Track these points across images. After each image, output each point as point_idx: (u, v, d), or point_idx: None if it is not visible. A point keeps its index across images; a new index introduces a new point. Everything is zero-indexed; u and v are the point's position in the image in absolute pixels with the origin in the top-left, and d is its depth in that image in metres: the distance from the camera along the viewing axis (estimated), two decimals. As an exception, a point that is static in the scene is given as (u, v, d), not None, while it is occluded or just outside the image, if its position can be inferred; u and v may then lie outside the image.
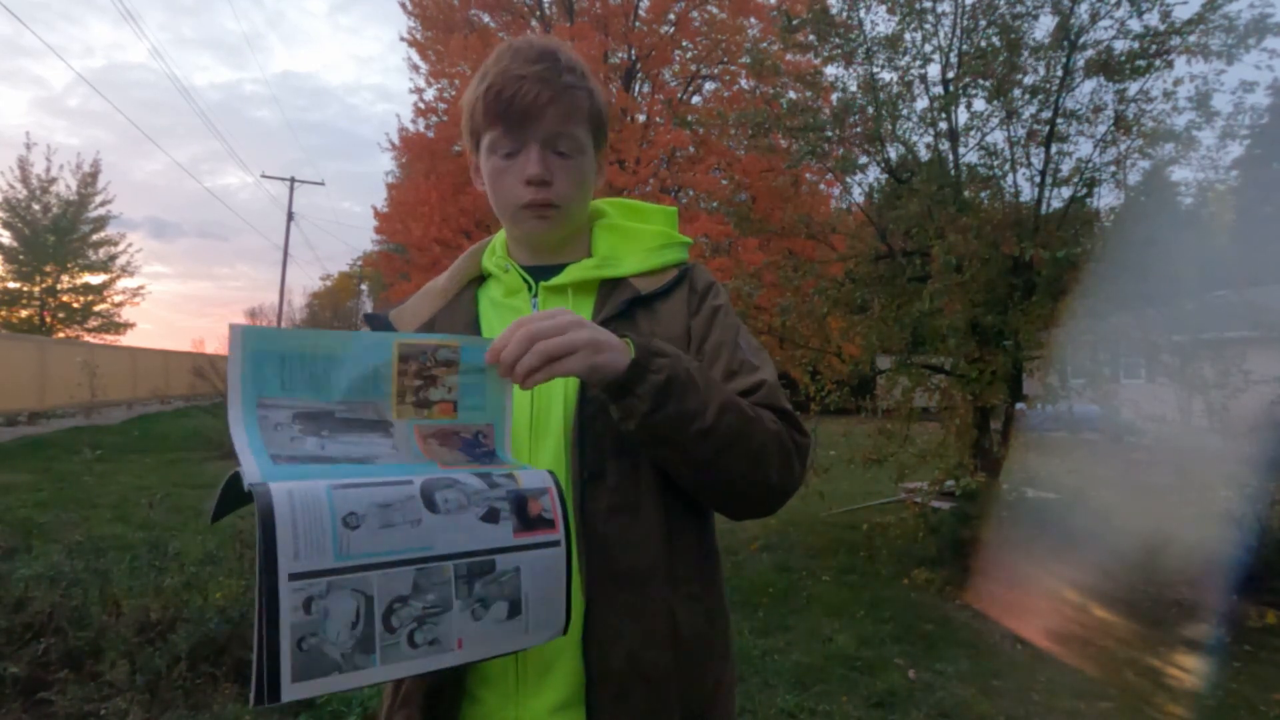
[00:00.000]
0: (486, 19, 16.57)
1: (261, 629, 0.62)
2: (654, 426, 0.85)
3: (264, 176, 43.75)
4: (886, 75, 5.67)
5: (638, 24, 16.06)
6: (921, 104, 5.70)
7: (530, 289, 1.02)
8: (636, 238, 1.06)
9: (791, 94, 6.24)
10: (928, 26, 5.50)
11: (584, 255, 1.05)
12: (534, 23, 16.54)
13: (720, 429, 0.87)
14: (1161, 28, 4.92)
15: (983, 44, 5.38)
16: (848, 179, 6.11)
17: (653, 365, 0.84)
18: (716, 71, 16.80)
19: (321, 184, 47.51)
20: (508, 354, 0.79)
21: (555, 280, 1.01)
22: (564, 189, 0.98)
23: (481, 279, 1.09)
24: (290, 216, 28.21)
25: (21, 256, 24.66)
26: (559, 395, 0.95)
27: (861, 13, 5.63)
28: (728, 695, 1.01)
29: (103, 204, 25.92)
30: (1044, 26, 5.30)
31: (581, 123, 0.98)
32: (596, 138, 1.02)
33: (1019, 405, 5.60)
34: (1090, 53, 5.17)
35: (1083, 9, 5.09)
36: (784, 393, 1.01)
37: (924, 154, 5.82)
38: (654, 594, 0.92)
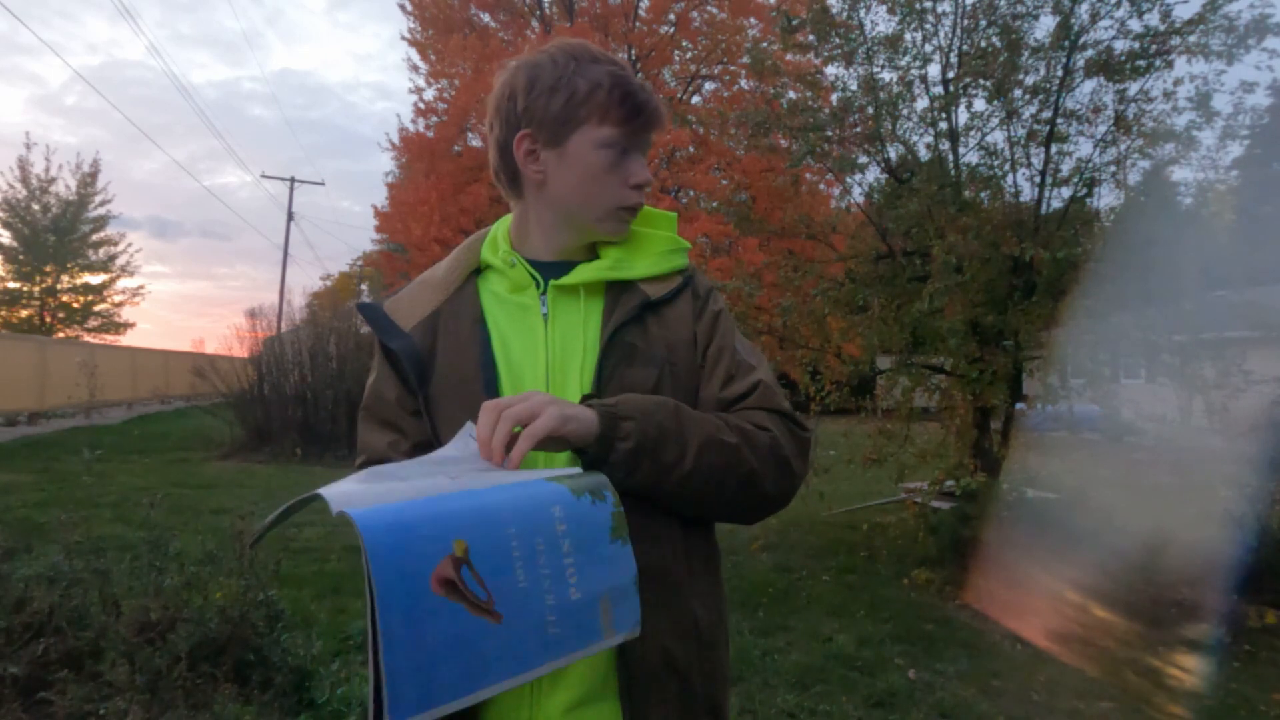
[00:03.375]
0: (486, 19, 16.57)
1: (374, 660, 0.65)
2: (634, 488, 0.88)
3: (264, 176, 43.78)
4: (886, 75, 5.68)
5: (638, 24, 16.07)
6: (921, 104, 5.71)
7: (539, 286, 1.01)
8: (646, 242, 1.06)
9: (791, 94, 6.23)
10: (928, 26, 5.50)
11: (590, 256, 1.05)
12: (534, 23, 16.54)
13: (703, 468, 0.91)
14: (1162, 28, 4.92)
15: (983, 44, 5.38)
16: (848, 179, 6.11)
17: (620, 432, 0.87)
18: (716, 71, 16.81)
19: (321, 184, 47.57)
20: (483, 434, 0.82)
21: (566, 279, 1.00)
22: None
23: (479, 270, 1.07)
24: (290, 216, 28.20)
25: (21, 256, 24.67)
26: (574, 400, 0.96)
27: (861, 13, 5.63)
28: (729, 683, 1.05)
29: (102, 204, 25.97)
30: (1044, 26, 5.30)
31: None
32: None
33: (1019, 405, 5.60)
34: (1090, 53, 5.17)
35: (1083, 9, 5.09)
36: (781, 390, 1.04)
37: (924, 154, 5.82)
38: (675, 591, 0.94)
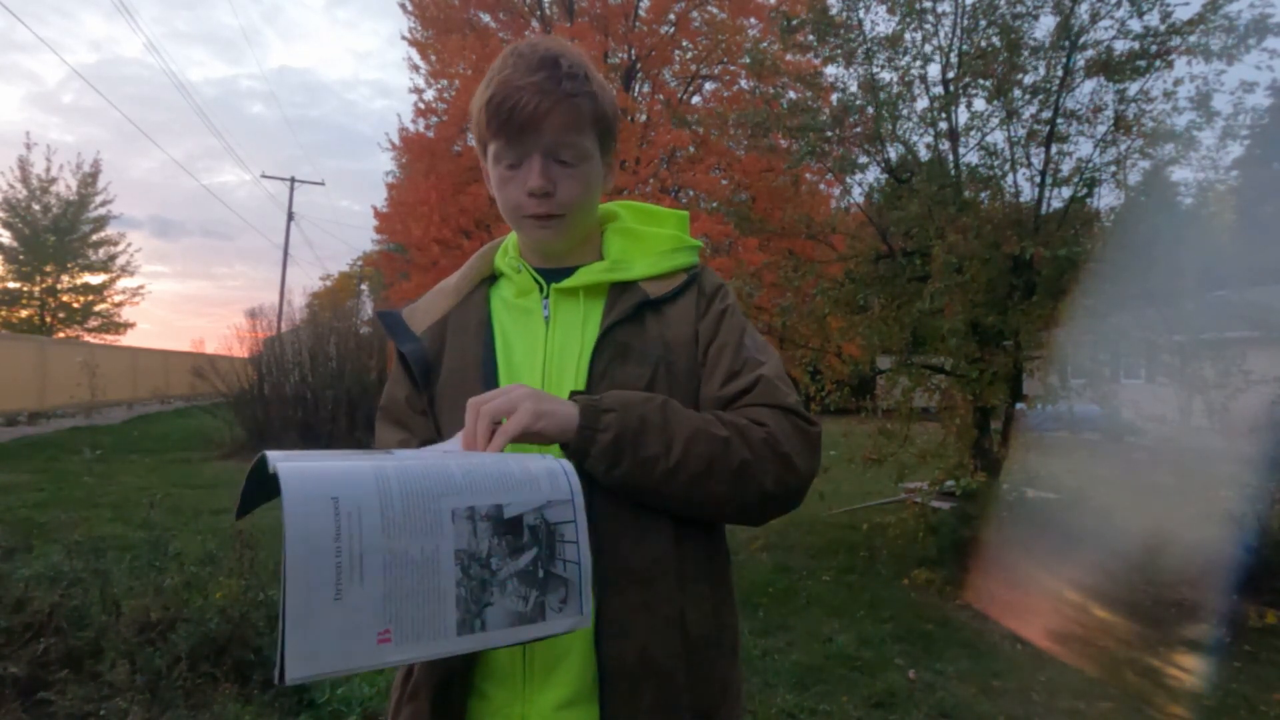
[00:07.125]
0: (486, 19, 16.54)
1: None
2: (616, 483, 0.89)
3: (264, 176, 43.76)
4: (886, 75, 5.67)
5: (638, 24, 16.04)
6: (921, 104, 5.70)
7: (542, 290, 1.03)
8: (648, 241, 1.06)
9: (791, 94, 6.23)
10: (928, 26, 5.50)
11: (596, 258, 1.06)
12: (534, 23, 16.52)
13: (690, 462, 0.90)
14: (1162, 28, 4.92)
15: (983, 44, 5.38)
16: (848, 179, 6.10)
17: (600, 424, 0.88)
18: (716, 71, 16.79)
19: (321, 184, 47.54)
20: (467, 435, 0.86)
21: (566, 283, 1.01)
22: (567, 197, 0.98)
23: (493, 278, 1.10)
24: (290, 216, 28.19)
25: (21, 256, 24.69)
26: (566, 395, 0.96)
27: (861, 13, 5.63)
28: (736, 696, 1.01)
29: (103, 204, 25.98)
30: (1044, 26, 5.30)
31: (585, 129, 0.98)
32: (603, 141, 1.01)
33: (1019, 405, 5.60)
34: (1090, 53, 5.16)
35: (1083, 9, 5.09)
36: (788, 385, 1.02)
37: (924, 154, 5.82)
38: (663, 591, 0.92)
